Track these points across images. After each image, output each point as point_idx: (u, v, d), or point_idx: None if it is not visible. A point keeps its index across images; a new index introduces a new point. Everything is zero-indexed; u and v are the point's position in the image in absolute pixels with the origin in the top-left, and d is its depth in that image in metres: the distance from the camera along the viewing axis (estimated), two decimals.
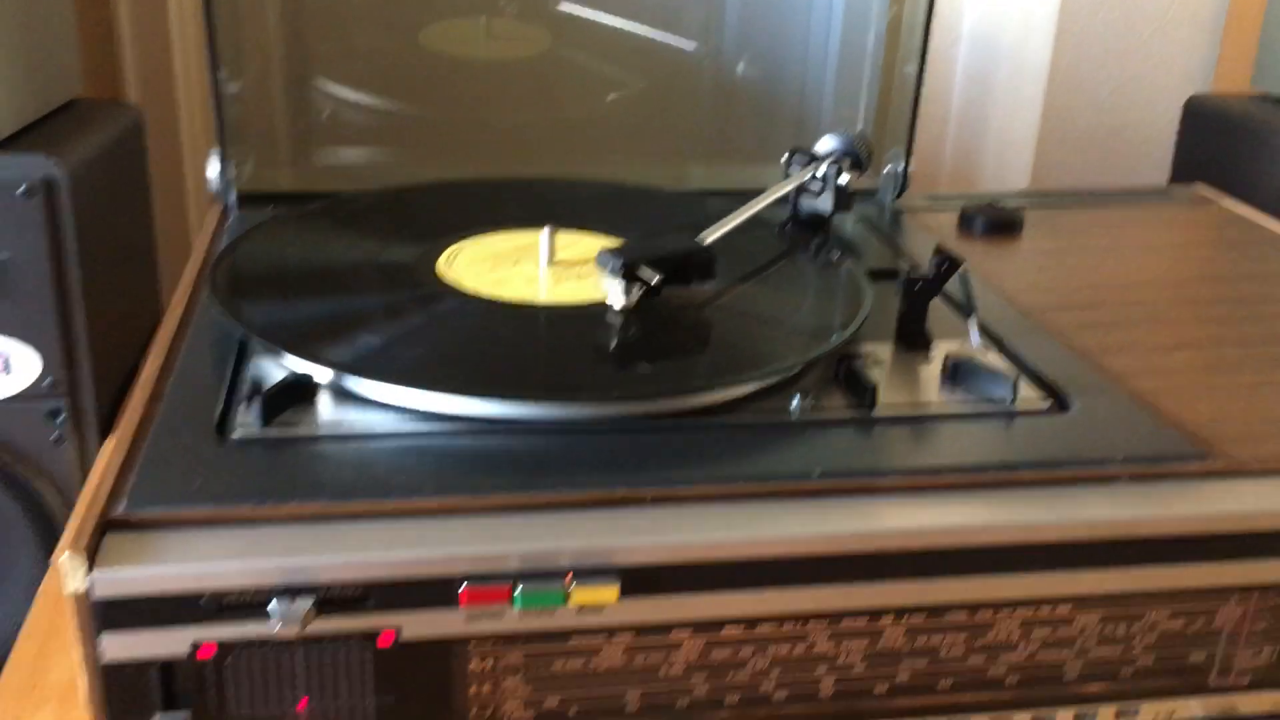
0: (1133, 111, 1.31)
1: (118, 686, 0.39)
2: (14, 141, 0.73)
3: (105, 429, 0.74)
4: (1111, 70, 1.30)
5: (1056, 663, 0.47)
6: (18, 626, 0.56)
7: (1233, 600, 0.47)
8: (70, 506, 0.70)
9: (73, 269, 0.71)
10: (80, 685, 0.39)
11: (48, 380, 0.73)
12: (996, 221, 0.76)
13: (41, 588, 0.59)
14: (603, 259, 0.54)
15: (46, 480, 0.73)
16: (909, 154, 0.79)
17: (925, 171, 1.29)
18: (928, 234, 0.74)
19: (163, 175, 1.02)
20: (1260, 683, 0.49)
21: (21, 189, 0.69)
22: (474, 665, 0.42)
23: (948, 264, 0.55)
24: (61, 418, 0.73)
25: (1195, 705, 0.48)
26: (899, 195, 0.80)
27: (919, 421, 0.49)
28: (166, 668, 0.40)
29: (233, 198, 0.72)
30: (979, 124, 1.32)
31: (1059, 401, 0.51)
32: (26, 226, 0.70)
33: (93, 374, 0.74)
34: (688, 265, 0.55)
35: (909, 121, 0.79)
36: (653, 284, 0.53)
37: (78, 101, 0.87)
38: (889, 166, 0.80)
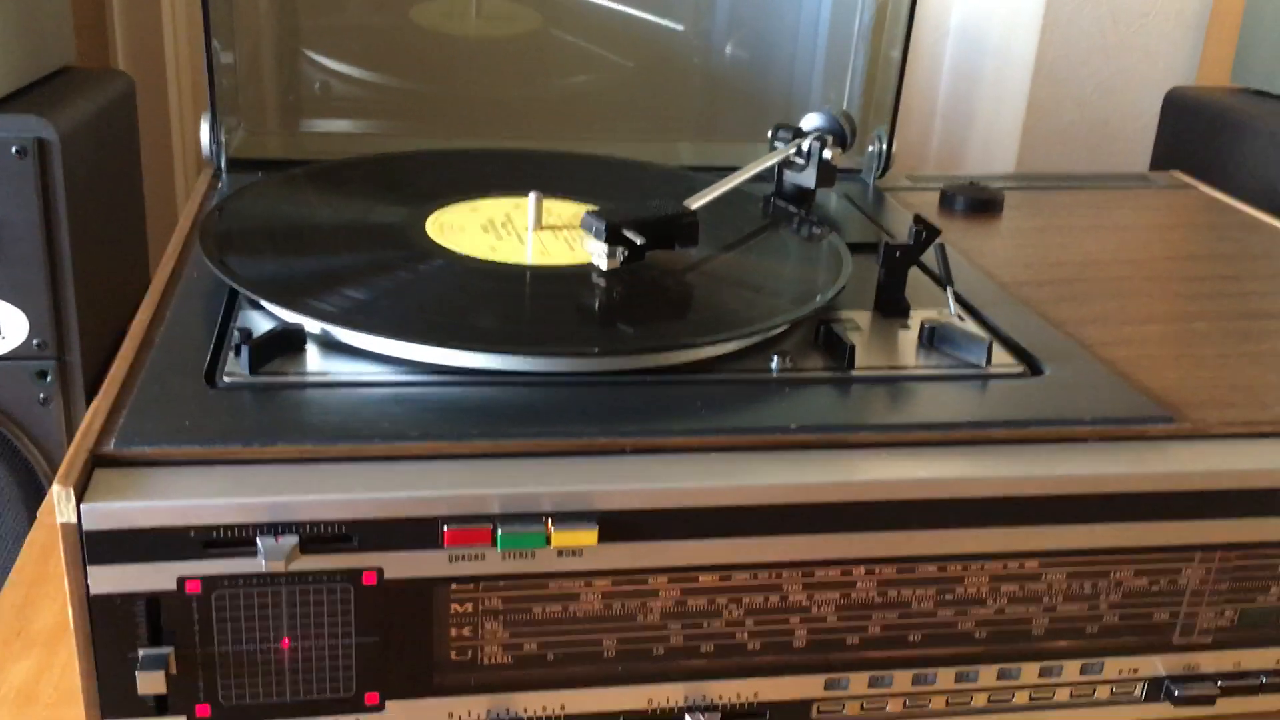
0: (1117, 106, 1.33)
1: (104, 619, 0.40)
2: (7, 104, 0.74)
3: (92, 390, 0.75)
4: (1096, 65, 1.31)
5: (1024, 618, 0.48)
6: (3, 579, 0.56)
7: (1196, 559, 0.48)
8: (57, 466, 0.71)
9: (62, 231, 0.72)
10: (69, 617, 0.40)
11: (35, 341, 0.74)
12: (977, 201, 0.77)
13: (28, 539, 0.60)
14: (587, 221, 0.55)
15: (33, 440, 0.74)
16: (892, 133, 0.80)
17: (911, 165, 1.30)
18: (909, 211, 0.75)
19: (151, 145, 1.03)
20: (1222, 642, 0.50)
21: (15, 149, 0.70)
22: (455, 608, 0.43)
23: (926, 232, 0.56)
24: (49, 379, 0.74)
25: (1158, 663, 0.50)
26: (882, 174, 0.81)
27: (895, 382, 0.50)
28: (153, 602, 0.40)
29: (223, 161, 0.73)
30: (965, 118, 1.34)
31: (1031, 366, 0.53)
32: (18, 187, 0.70)
33: (80, 336, 0.74)
34: (671, 229, 0.56)
35: (893, 102, 0.80)
36: (637, 245, 0.54)
37: (70, 69, 0.88)
38: (872, 146, 0.81)
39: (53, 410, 0.74)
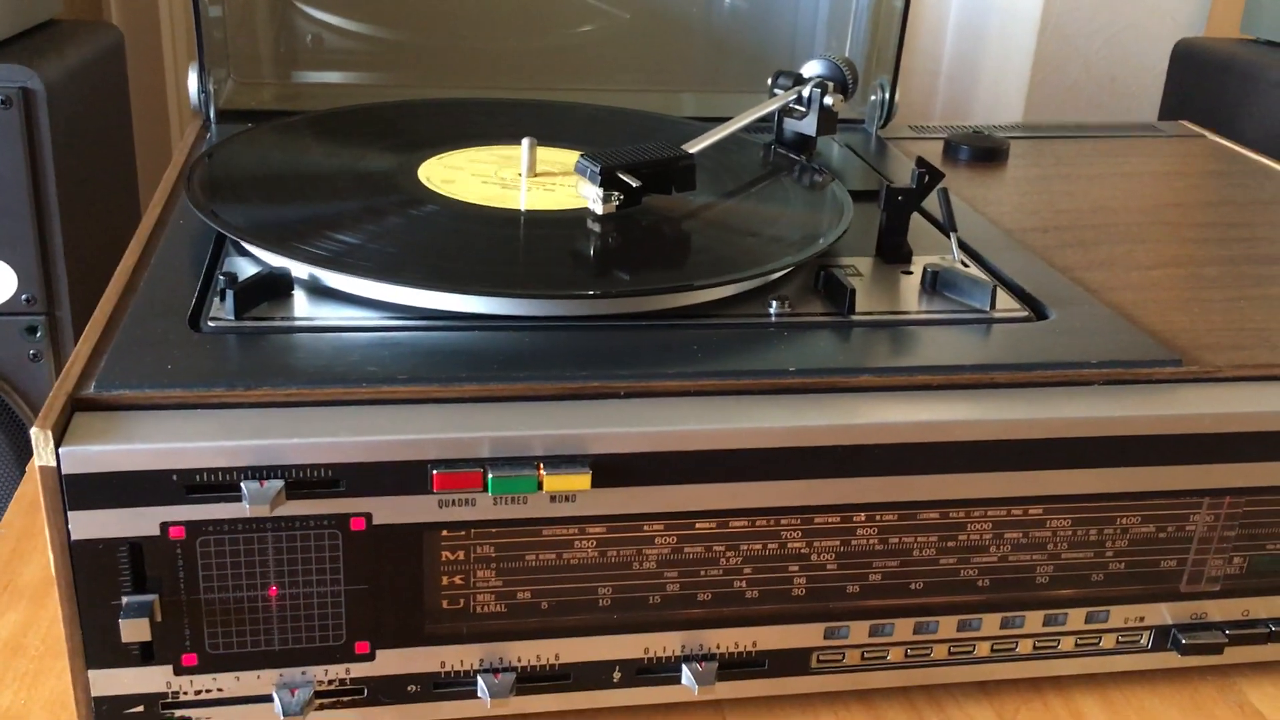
0: (1124, 61, 1.31)
1: (86, 566, 0.39)
2: None
3: None
4: (1103, 20, 1.29)
5: (1028, 566, 0.47)
6: None
7: (1204, 505, 0.47)
8: None
9: (50, 183, 0.71)
10: (50, 564, 0.39)
11: (24, 296, 0.72)
12: (981, 149, 0.76)
13: (17, 493, 0.59)
14: (582, 165, 0.54)
15: (23, 395, 0.73)
16: (894, 82, 0.78)
17: (916, 123, 1.29)
18: (912, 160, 0.74)
19: (145, 98, 1.02)
20: (1230, 590, 0.49)
21: (0, 99, 0.68)
22: (446, 555, 0.42)
23: (929, 175, 0.55)
24: (39, 334, 0.73)
25: (1165, 611, 0.49)
26: (884, 124, 0.80)
27: (896, 326, 0.49)
28: (136, 549, 0.39)
29: (212, 111, 0.71)
30: (970, 76, 1.32)
31: (1037, 311, 0.51)
32: (4, 137, 0.69)
33: (70, 290, 0.73)
34: (668, 172, 0.55)
35: (895, 50, 0.78)
36: (632, 188, 0.52)
37: (58, 21, 0.86)
38: (874, 96, 0.80)
39: (43, 366, 0.73)
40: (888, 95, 0.79)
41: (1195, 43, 1.06)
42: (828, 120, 0.68)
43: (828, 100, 0.68)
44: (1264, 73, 0.93)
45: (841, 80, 0.71)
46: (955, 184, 0.70)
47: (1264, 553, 0.48)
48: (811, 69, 0.72)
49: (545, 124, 0.70)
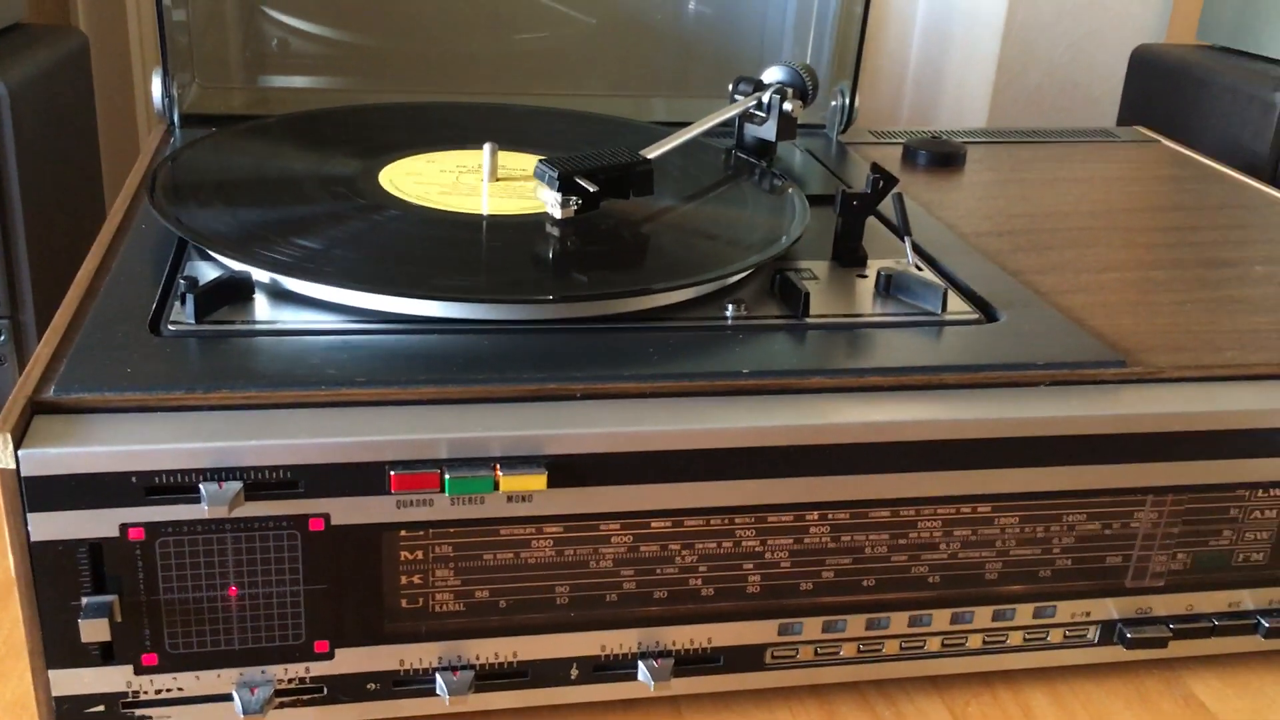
0: (1088, 67, 1.32)
1: (46, 567, 0.40)
2: None
3: None
4: (1066, 26, 1.31)
5: (977, 562, 0.48)
6: None
7: (1148, 503, 0.48)
8: None
9: (13, 186, 0.71)
10: (10, 565, 0.39)
11: None
12: (939, 155, 0.77)
13: None
14: (540, 170, 0.54)
15: None
16: (854, 87, 0.79)
17: (882, 127, 1.30)
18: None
19: (112, 105, 1.02)
20: (1175, 585, 0.50)
21: None
22: (405, 555, 0.43)
23: (884, 180, 0.56)
24: (2, 337, 0.73)
25: (1111, 606, 0.50)
26: (845, 129, 0.81)
27: (850, 329, 0.50)
28: (95, 550, 0.40)
29: (176, 116, 0.71)
30: (935, 80, 1.33)
31: (987, 313, 0.53)
32: None
33: (34, 295, 0.73)
34: (626, 177, 0.56)
35: (855, 56, 0.79)
36: (590, 193, 0.53)
37: (22, 25, 0.86)
38: (835, 101, 0.81)
39: (6, 370, 0.73)
40: (848, 101, 0.80)
41: (1151, 49, 1.07)
42: (787, 126, 0.69)
43: (787, 106, 0.69)
44: (1217, 77, 0.95)
45: (801, 86, 0.72)
46: (913, 189, 0.71)
47: (1206, 549, 0.50)
48: (772, 75, 0.73)
49: (509, 128, 0.71)
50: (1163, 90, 1.02)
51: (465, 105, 0.76)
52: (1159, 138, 0.87)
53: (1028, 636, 0.50)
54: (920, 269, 0.56)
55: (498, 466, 0.41)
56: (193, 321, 0.46)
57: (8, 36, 0.82)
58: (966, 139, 0.82)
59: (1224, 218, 0.68)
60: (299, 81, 0.86)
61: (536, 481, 0.42)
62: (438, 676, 0.45)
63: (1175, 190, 0.74)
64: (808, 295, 0.50)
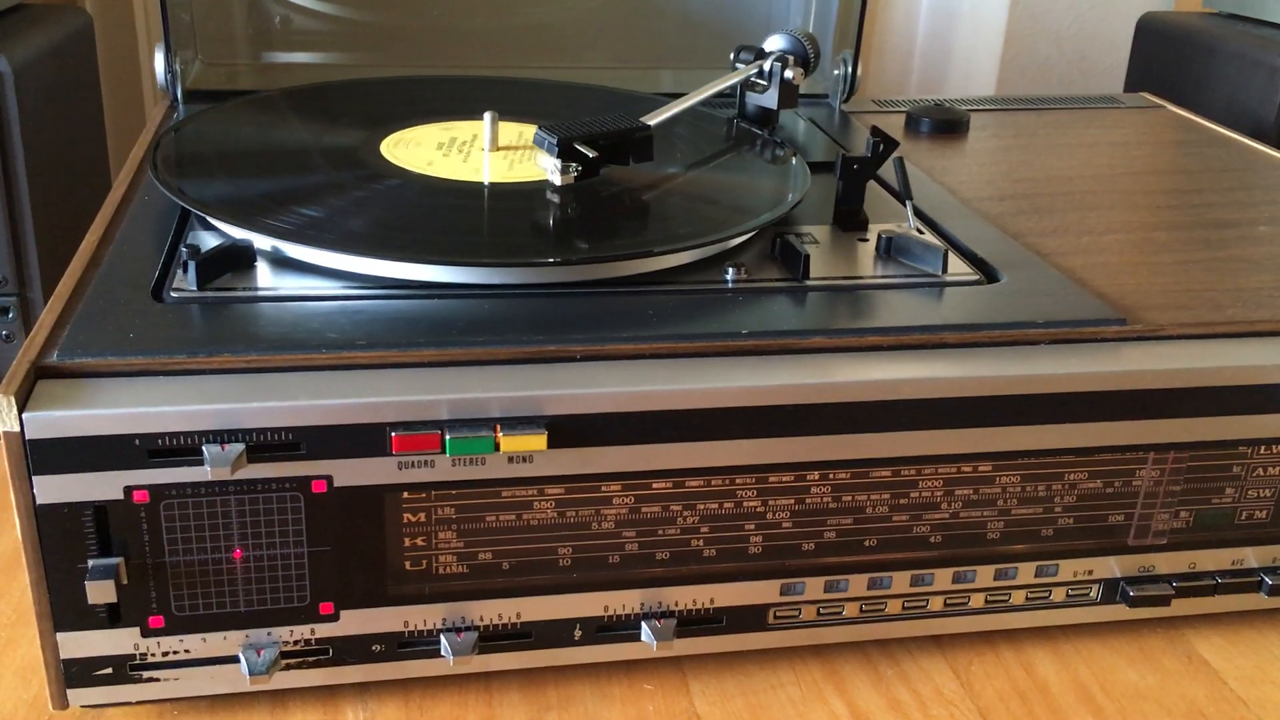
0: (1095, 39, 1.32)
1: (52, 530, 0.40)
2: None
3: None
4: None
5: (979, 522, 0.48)
6: None
7: (1150, 460, 0.48)
8: None
9: (19, 164, 0.71)
10: (16, 529, 0.40)
11: None
12: (942, 122, 0.77)
13: None
14: (539, 137, 0.54)
15: None
16: (857, 56, 0.79)
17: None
18: None
19: (119, 84, 1.02)
20: (1177, 544, 0.50)
21: None
22: (407, 516, 0.43)
23: (884, 144, 0.56)
24: (10, 315, 0.74)
25: (1113, 564, 0.50)
26: (848, 98, 0.81)
27: (850, 290, 0.50)
28: (100, 512, 0.40)
29: (179, 91, 0.72)
30: (943, 54, 1.32)
31: (988, 274, 0.52)
32: None
33: (41, 272, 0.74)
34: (626, 143, 0.56)
35: (857, 24, 0.79)
36: (589, 159, 0.53)
37: (26, 5, 0.86)
38: (837, 70, 0.81)
39: (15, 346, 0.74)
40: (850, 69, 0.79)
41: (1158, 15, 1.07)
42: (788, 94, 0.69)
43: (788, 74, 0.69)
44: (1222, 44, 0.94)
45: (803, 54, 0.72)
46: (916, 155, 0.71)
47: (1209, 506, 0.50)
48: (773, 43, 0.73)
49: (510, 100, 0.71)
50: (1169, 57, 1.01)
51: (467, 78, 0.76)
52: (1164, 103, 0.87)
53: (1030, 595, 0.50)
54: (921, 232, 0.56)
55: (498, 427, 0.42)
56: (195, 288, 0.46)
57: (12, 16, 0.82)
58: (970, 107, 0.82)
59: (1228, 180, 0.68)
60: (301, 58, 0.86)
61: (537, 442, 0.42)
62: (442, 638, 0.45)
63: (1180, 154, 0.74)
64: (808, 257, 0.50)
